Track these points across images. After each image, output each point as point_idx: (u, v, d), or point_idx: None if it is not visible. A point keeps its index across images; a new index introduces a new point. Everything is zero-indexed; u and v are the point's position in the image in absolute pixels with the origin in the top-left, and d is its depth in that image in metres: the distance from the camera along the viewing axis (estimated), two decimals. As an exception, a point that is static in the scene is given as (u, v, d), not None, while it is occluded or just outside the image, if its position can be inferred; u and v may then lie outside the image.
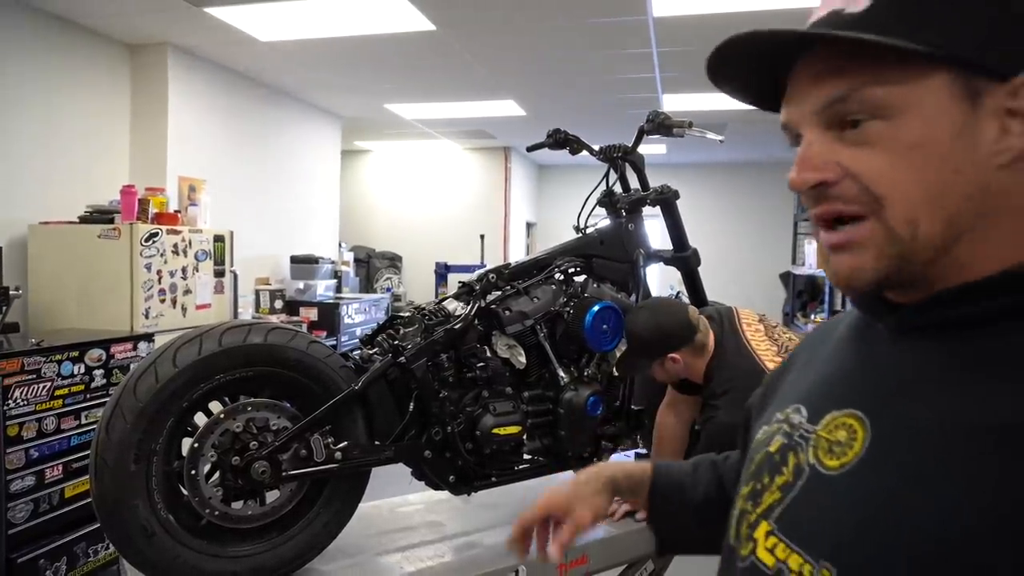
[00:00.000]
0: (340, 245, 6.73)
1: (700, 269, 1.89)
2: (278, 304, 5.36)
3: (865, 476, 0.52)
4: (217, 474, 1.21)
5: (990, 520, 0.44)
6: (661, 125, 1.75)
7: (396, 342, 1.38)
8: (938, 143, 0.50)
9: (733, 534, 0.64)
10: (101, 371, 2.83)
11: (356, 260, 7.40)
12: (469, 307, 1.45)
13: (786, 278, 8.61)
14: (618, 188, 1.77)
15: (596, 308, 1.52)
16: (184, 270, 3.76)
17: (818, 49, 0.54)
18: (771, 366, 1.58)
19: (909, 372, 0.54)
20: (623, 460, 0.86)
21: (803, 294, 8.14)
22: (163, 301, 3.62)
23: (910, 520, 0.47)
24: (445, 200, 8.66)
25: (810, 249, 4.56)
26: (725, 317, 1.73)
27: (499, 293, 1.50)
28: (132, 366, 2.84)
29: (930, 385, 0.52)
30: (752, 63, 0.59)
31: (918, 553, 0.46)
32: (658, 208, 1.82)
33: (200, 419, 1.23)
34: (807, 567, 0.52)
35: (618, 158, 1.77)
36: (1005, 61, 0.49)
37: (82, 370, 2.75)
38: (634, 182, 1.80)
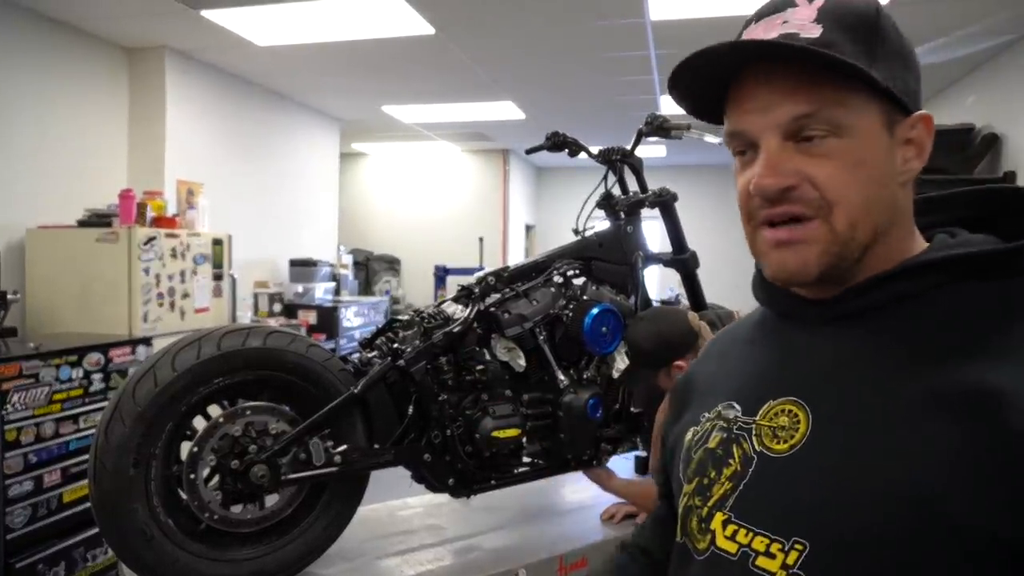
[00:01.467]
0: (339, 248, 6.72)
1: (699, 271, 1.89)
2: (277, 307, 5.36)
3: (818, 453, 0.57)
4: (216, 478, 1.21)
5: (949, 472, 0.50)
6: (659, 127, 1.75)
7: (395, 345, 1.38)
8: (874, 162, 0.60)
9: (682, 531, 0.67)
10: (99, 375, 2.82)
11: (355, 263, 7.40)
12: (468, 310, 1.45)
13: (785, 280, 8.60)
14: (617, 190, 1.77)
15: (595, 310, 1.52)
16: (182, 274, 3.76)
17: (778, 66, 0.60)
18: None
19: (837, 355, 0.61)
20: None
21: (802, 296, 8.14)
22: (161, 305, 3.62)
23: (871, 486, 0.53)
24: (444, 203, 8.66)
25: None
26: (724, 319, 1.74)
27: (498, 296, 1.50)
28: (131, 370, 2.83)
29: (859, 364, 0.59)
30: (706, 71, 0.64)
31: (885, 514, 0.51)
32: (657, 210, 1.82)
33: (199, 423, 1.22)
34: (775, 545, 0.56)
35: (617, 160, 1.77)
36: (908, 99, 0.61)
37: (80, 374, 2.75)
38: (633, 184, 1.80)
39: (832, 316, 0.63)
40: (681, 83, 0.66)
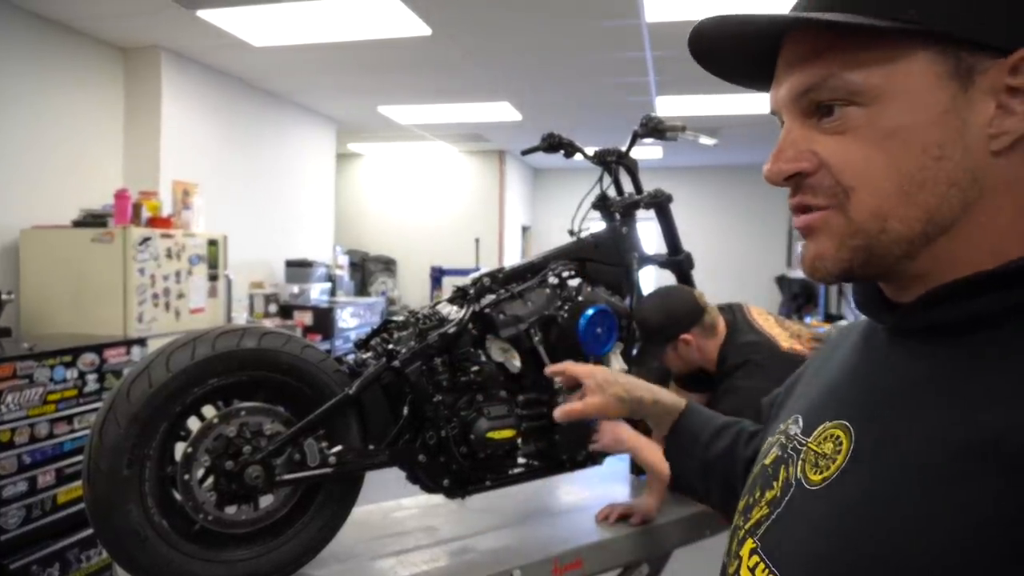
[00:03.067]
0: (335, 249, 6.72)
1: (695, 273, 1.90)
2: (272, 308, 5.35)
3: (840, 493, 0.48)
4: (211, 479, 1.21)
5: (968, 541, 0.40)
6: (655, 129, 1.75)
7: (390, 346, 1.38)
8: (918, 129, 0.46)
9: (726, 548, 0.61)
10: (94, 376, 2.82)
11: (351, 264, 7.39)
12: (463, 311, 1.45)
13: (781, 281, 8.64)
14: (612, 192, 1.77)
15: (590, 312, 1.52)
16: (178, 274, 3.75)
17: (798, 34, 0.51)
18: (785, 345, 1.65)
19: (898, 379, 0.50)
20: (659, 392, 0.93)
21: (798, 297, 8.17)
22: (156, 305, 3.61)
23: (882, 546, 0.43)
24: (440, 203, 8.65)
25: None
26: (735, 307, 1.81)
27: (493, 297, 1.50)
28: (125, 371, 2.83)
29: (918, 394, 0.47)
30: (738, 46, 0.56)
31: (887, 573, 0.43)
32: (652, 212, 1.82)
33: (194, 423, 1.22)
34: None
35: (612, 162, 1.77)
36: (1001, 34, 0.44)
37: (75, 375, 2.74)
38: (628, 186, 1.81)
39: (905, 328, 0.51)
40: (719, 61, 0.59)
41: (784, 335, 1.69)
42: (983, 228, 0.47)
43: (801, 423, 0.58)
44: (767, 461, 0.60)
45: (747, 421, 0.91)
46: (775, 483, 0.56)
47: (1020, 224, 0.46)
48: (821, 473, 0.50)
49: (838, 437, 0.51)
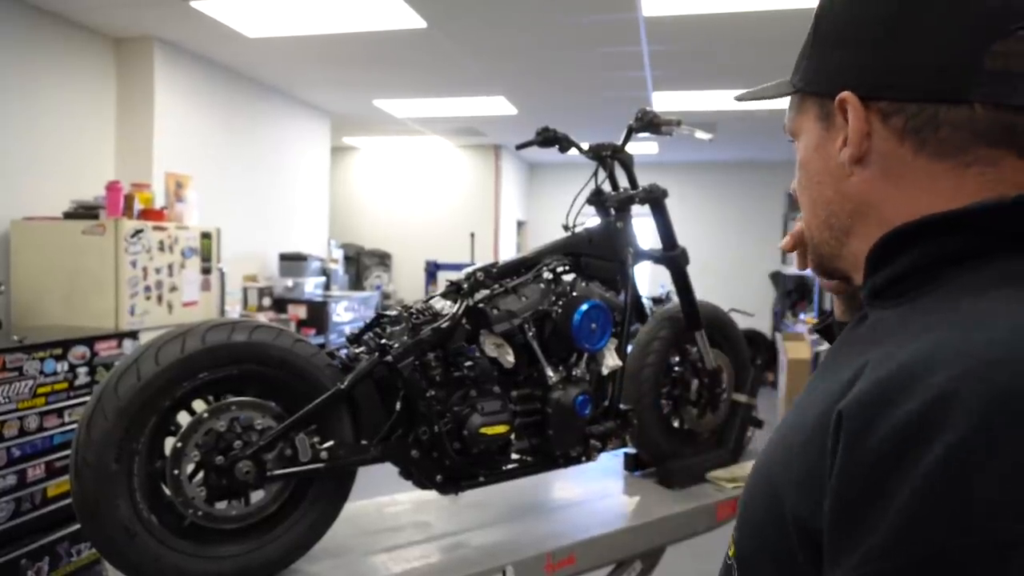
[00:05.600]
0: (329, 242, 6.69)
1: (689, 268, 1.89)
2: (266, 302, 5.33)
3: (768, 446, 0.56)
4: (201, 474, 1.20)
5: (790, 471, 0.47)
6: (650, 123, 1.74)
7: (383, 341, 1.37)
8: (808, 161, 0.61)
9: None
10: (85, 369, 2.80)
11: (345, 257, 7.37)
12: (457, 306, 1.44)
13: (776, 278, 8.65)
14: (607, 187, 1.76)
15: (584, 307, 1.51)
16: (170, 267, 3.73)
17: None
18: None
19: (846, 340, 0.59)
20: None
21: (792, 294, 8.18)
22: (149, 298, 3.59)
23: (759, 497, 0.52)
24: (435, 198, 8.63)
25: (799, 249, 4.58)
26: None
27: (487, 292, 1.49)
28: (116, 364, 2.81)
29: (840, 354, 0.56)
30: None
31: (761, 498, 0.51)
32: (647, 207, 1.81)
33: (183, 418, 1.21)
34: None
35: (607, 156, 1.76)
36: (834, 85, 0.56)
37: (65, 368, 2.72)
38: (623, 181, 1.80)
39: (867, 296, 0.60)
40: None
41: None
42: (876, 226, 0.56)
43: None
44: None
45: None
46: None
47: (904, 214, 0.54)
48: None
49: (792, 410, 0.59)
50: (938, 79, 0.51)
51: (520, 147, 1.87)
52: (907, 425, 0.39)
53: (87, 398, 2.75)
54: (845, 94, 0.55)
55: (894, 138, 0.54)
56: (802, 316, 7.25)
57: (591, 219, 1.73)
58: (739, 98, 0.70)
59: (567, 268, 1.64)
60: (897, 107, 0.53)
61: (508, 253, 8.56)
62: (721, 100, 5.59)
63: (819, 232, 0.61)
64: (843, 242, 0.59)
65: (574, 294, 1.56)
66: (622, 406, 1.66)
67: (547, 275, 1.59)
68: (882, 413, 0.41)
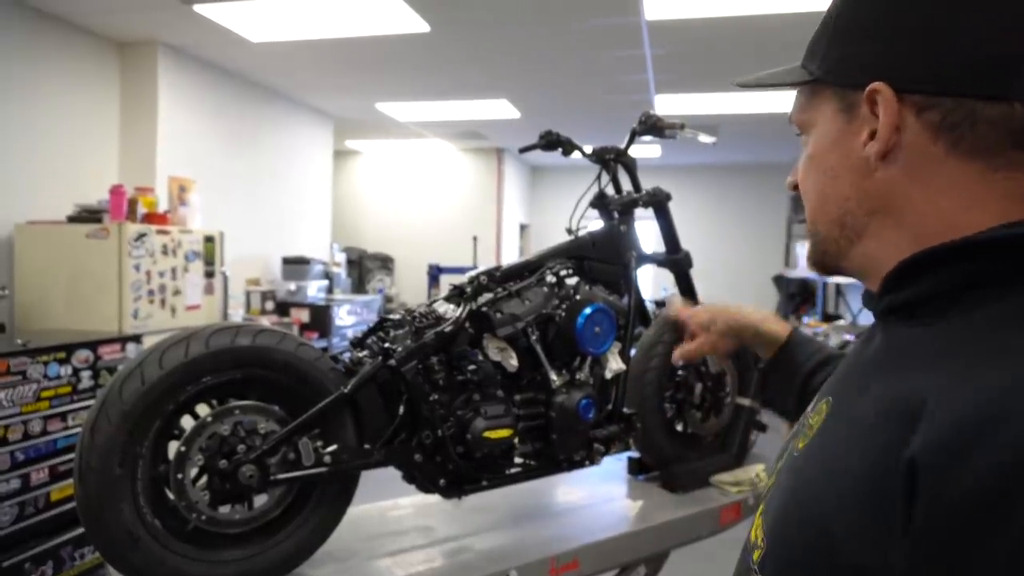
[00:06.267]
0: (332, 246, 6.70)
1: (693, 271, 1.89)
2: (269, 305, 5.34)
3: (803, 454, 0.56)
4: (204, 478, 1.20)
5: (843, 497, 0.46)
6: (653, 127, 1.74)
7: (386, 345, 1.37)
8: (822, 155, 0.59)
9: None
10: (88, 372, 2.80)
11: (348, 261, 7.38)
12: (460, 310, 1.44)
13: (779, 281, 8.64)
14: (610, 190, 1.76)
15: (588, 310, 1.51)
16: (174, 271, 3.74)
17: None
18: None
19: (868, 356, 0.57)
20: (766, 319, 1.05)
21: (796, 296, 8.17)
22: (152, 302, 3.59)
23: (808, 489, 0.51)
24: (438, 201, 8.64)
25: (803, 252, 4.57)
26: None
27: (490, 295, 1.49)
28: (120, 367, 2.81)
29: (875, 366, 0.54)
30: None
31: (798, 535, 0.49)
32: (651, 210, 1.81)
33: (187, 422, 1.21)
34: (761, 544, 0.56)
35: (610, 160, 1.76)
36: (863, 75, 0.53)
37: (69, 371, 2.72)
38: (627, 184, 1.80)
39: (879, 309, 0.58)
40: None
41: None
42: (891, 230, 0.55)
43: (815, 403, 0.64)
44: (787, 436, 0.67)
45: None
46: (784, 455, 0.63)
47: (927, 219, 0.53)
48: (804, 441, 0.57)
49: (822, 410, 0.58)
50: (980, 74, 0.48)
51: (523, 150, 1.87)
52: (1000, 477, 0.38)
53: (91, 402, 2.76)
54: (878, 85, 0.52)
55: (927, 134, 0.51)
56: (805, 319, 7.23)
57: (594, 222, 1.73)
58: (740, 83, 0.67)
59: (570, 272, 1.64)
60: (933, 101, 0.50)
61: (511, 257, 8.56)
62: (724, 103, 5.59)
63: (828, 229, 0.59)
64: (854, 242, 0.58)
65: (577, 298, 1.56)
66: (625, 410, 1.66)
67: (550, 279, 1.59)
68: (966, 463, 0.39)
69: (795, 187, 0.65)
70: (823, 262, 0.62)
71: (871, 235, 0.56)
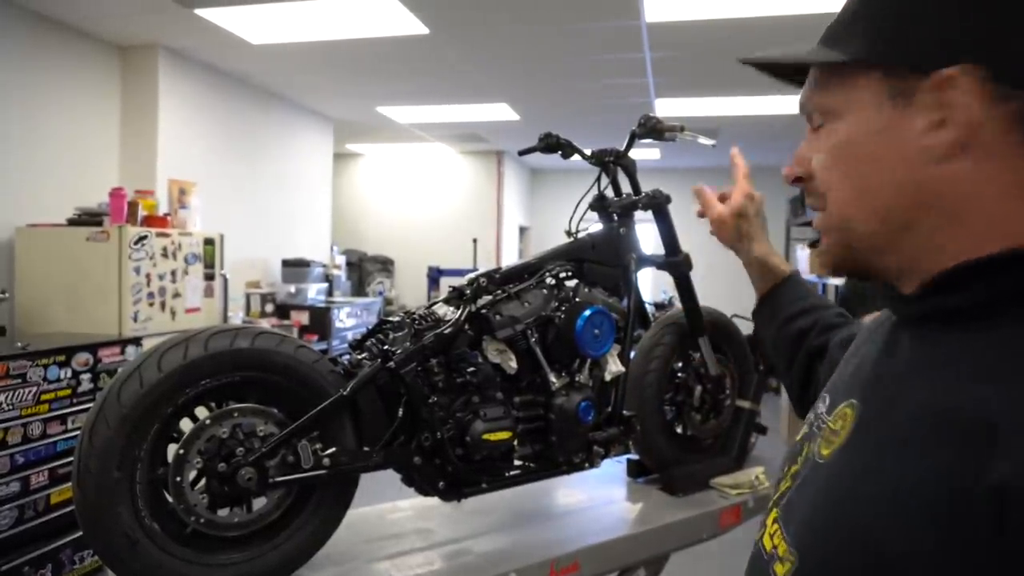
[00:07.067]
0: (332, 248, 6.70)
1: (692, 274, 1.88)
2: (269, 308, 5.34)
3: (838, 465, 0.52)
4: (203, 481, 1.19)
5: (908, 500, 0.43)
6: (652, 129, 1.74)
7: (385, 347, 1.37)
8: (863, 143, 0.53)
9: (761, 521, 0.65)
10: (88, 375, 2.80)
11: (348, 264, 7.38)
12: (459, 312, 1.44)
13: (778, 283, 8.62)
14: (610, 192, 1.76)
15: (587, 313, 1.51)
16: (173, 273, 3.74)
17: None
18: None
19: (902, 362, 0.54)
20: (774, 252, 1.07)
21: (795, 299, 8.16)
22: (152, 305, 3.59)
23: (855, 506, 0.47)
24: (438, 204, 8.64)
25: (802, 255, 4.57)
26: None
27: (490, 298, 1.49)
28: (120, 370, 2.81)
29: (913, 374, 0.51)
30: (779, 68, 0.64)
31: (849, 553, 0.46)
32: (650, 213, 1.81)
33: (186, 425, 1.21)
34: (789, 555, 0.53)
35: (610, 162, 1.76)
36: (927, 59, 0.49)
37: (69, 374, 2.72)
38: (626, 186, 1.79)
39: (909, 316, 0.55)
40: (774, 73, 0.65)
41: None
42: (943, 228, 0.51)
43: (827, 402, 0.61)
44: (798, 437, 0.64)
45: (834, 310, 0.97)
46: (799, 458, 0.60)
47: (993, 219, 0.49)
48: (829, 447, 0.55)
49: (846, 414, 0.55)
50: None
51: (523, 153, 1.87)
52: None
53: (90, 405, 2.75)
54: (954, 70, 0.47)
55: (1004, 124, 0.47)
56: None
57: (594, 225, 1.73)
58: (746, 60, 0.62)
59: (570, 274, 1.64)
60: (1015, 92, 0.46)
61: (511, 259, 8.56)
62: (723, 106, 5.59)
63: (866, 223, 0.54)
64: (895, 238, 0.53)
65: (577, 300, 1.56)
66: (625, 412, 1.66)
67: (550, 281, 1.59)
68: None
69: (796, 179, 0.60)
70: (849, 258, 0.57)
71: (917, 232, 0.51)
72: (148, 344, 3.01)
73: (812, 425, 0.61)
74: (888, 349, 0.56)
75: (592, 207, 1.73)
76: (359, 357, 1.39)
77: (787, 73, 0.63)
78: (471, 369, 1.43)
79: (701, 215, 1.20)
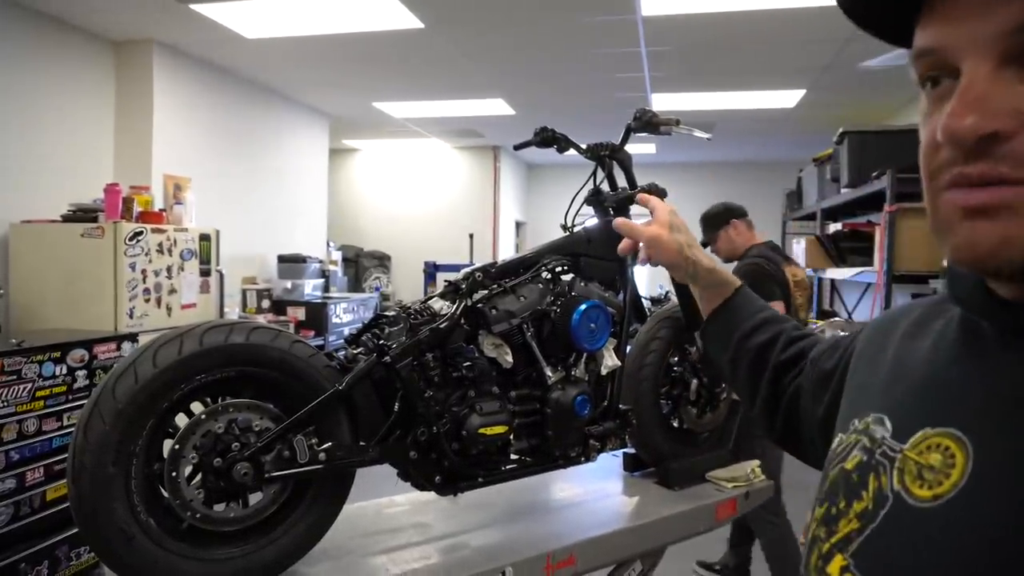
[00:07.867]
0: (328, 244, 6.69)
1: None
2: (265, 304, 5.33)
3: (972, 511, 0.42)
4: (199, 476, 1.19)
5: None
6: (648, 123, 1.74)
7: (381, 341, 1.36)
8: None
9: (805, 561, 0.55)
10: (84, 372, 2.79)
11: (344, 259, 7.37)
12: (455, 306, 1.43)
13: (774, 277, 8.63)
14: (606, 186, 1.76)
15: (583, 307, 1.51)
16: (169, 269, 3.73)
17: None
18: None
19: (1005, 384, 0.45)
20: (718, 264, 0.97)
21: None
22: (147, 301, 3.58)
23: (994, 561, 0.40)
24: (434, 199, 8.63)
25: (798, 249, 4.57)
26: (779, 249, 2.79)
27: (485, 292, 1.49)
28: (114, 366, 2.80)
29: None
30: None
31: None
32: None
33: (181, 420, 1.20)
34: None
35: (606, 156, 1.75)
36: None
37: (64, 371, 2.71)
38: (622, 180, 1.79)
39: None
40: None
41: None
42: None
43: (890, 425, 0.52)
44: (848, 466, 0.53)
45: (792, 323, 0.90)
46: (864, 493, 0.50)
47: None
48: (931, 488, 0.45)
49: (947, 448, 0.46)
50: None
51: (518, 147, 1.87)
52: None
53: (86, 401, 2.74)
54: None
55: None
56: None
57: (590, 219, 1.73)
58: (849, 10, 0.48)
59: (566, 268, 1.64)
60: None
61: (507, 254, 8.56)
62: (720, 101, 5.58)
63: None
64: None
65: (573, 294, 1.56)
66: (621, 406, 1.66)
67: (546, 275, 1.59)
68: None
69: (985, 137, 0.41)
70: None
71: None
72: (144, 340, 3.00)
73: (872, 453, 0.52)
74: (993, 368, 0.47)
75: (588, 201, 1.73)
76: (355, 352, 1.39)
77: (889, 32, 0.50)
78: (467, 363, 1.42)
79: (628, 249, 1.10)
